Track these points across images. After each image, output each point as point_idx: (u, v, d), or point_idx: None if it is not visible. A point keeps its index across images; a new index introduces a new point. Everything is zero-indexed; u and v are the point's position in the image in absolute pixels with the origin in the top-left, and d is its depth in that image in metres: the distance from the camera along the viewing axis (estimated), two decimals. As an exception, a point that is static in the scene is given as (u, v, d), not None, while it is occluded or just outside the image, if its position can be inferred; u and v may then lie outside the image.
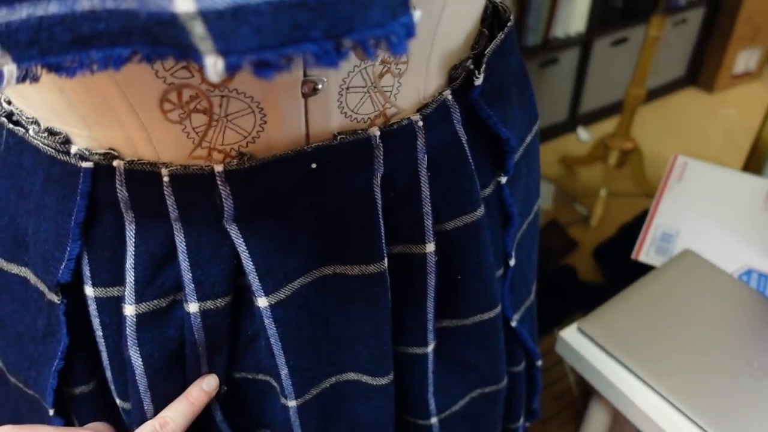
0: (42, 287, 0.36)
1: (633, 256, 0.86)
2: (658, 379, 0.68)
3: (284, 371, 0.38)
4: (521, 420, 0.61)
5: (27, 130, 0.34)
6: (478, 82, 0.37)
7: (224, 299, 0.35)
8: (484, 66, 0.37)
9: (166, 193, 0.32)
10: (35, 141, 0.33)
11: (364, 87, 0.33)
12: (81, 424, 0.40)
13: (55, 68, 0.22)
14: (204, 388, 0.38)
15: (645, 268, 0.84)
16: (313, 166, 0.33)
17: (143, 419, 0.38)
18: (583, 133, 2.15)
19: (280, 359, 0.38)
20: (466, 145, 0.38)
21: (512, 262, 0.46)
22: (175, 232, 0.34)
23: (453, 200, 0.39)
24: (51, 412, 0.38)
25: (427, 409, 0.46)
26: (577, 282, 1.44)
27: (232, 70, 0.19)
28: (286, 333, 0.37)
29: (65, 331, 0.36)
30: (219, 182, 0.32)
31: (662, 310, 0.75)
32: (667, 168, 1.01)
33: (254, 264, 0.34)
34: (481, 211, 0.40)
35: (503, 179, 0.41)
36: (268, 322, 0.36)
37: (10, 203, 0.36)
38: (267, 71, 0.19)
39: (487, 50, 0.37)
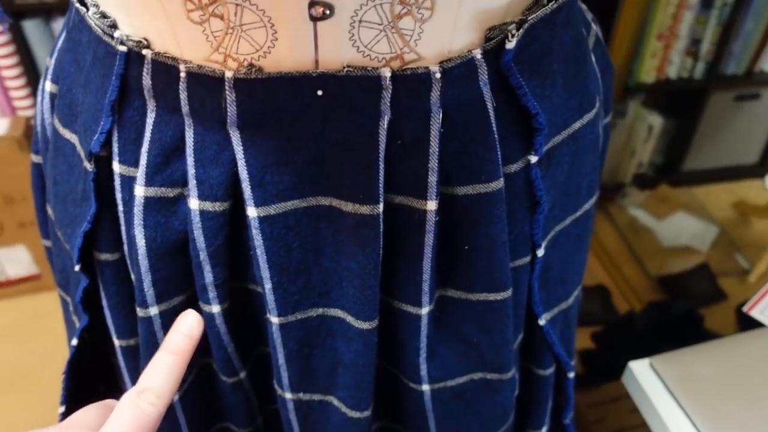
0: (82, 155, 0.41)
1: (746, 309, 0.77)
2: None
3: (268, 286, 0.40)
4: (544, 429, 0.58)
5: (88, 10, 0.38)
6: (510, 45, 0.35)
7: (222, 204, 0.38)
8: (521, 31, 0.35)
9: (181, 87, 0.35)
10: (91, 21, 0.38)
11: (379, 24, 0.33)
12: (104, 288, 0.45)
13: None
14: (183, 331, 0.35)
15: None
16: (319, 93, 0.34)
17: (144, 301, 0.41)
18: (772, 182, 1.92)
19: (265, 273, 0.40)
20: (492, 111, 0.37)
21: (540, 253, 0.44)
22: (185, 127, 0.36)
23: (468, 165, 0.38)
24: (76, 267, 0.43)
25: (418, 372, 0.46)
26: (702, 332, 1.31)
27: None
28: (273, 249, 0.39)
29: (94, 198, 0.40)
30: (226, 87, 0.34)
31: (751, 372, 0.67)
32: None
33: (248, 173, 0.36)
34: (498, 185, 0.38)
35: (533, 158, 0.40)
36: (256, 233, 0.38)
37: (70, 74, 0.41)
38: None
39: (531, 17, 0.36)
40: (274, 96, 0.34)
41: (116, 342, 0.48)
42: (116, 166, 0.39)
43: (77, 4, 0.39)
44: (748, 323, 1.38)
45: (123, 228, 0.42)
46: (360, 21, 0.33)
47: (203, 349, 0.46)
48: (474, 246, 0.40)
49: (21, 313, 1.57)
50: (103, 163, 0.40)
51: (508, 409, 0.51)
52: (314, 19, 0.32)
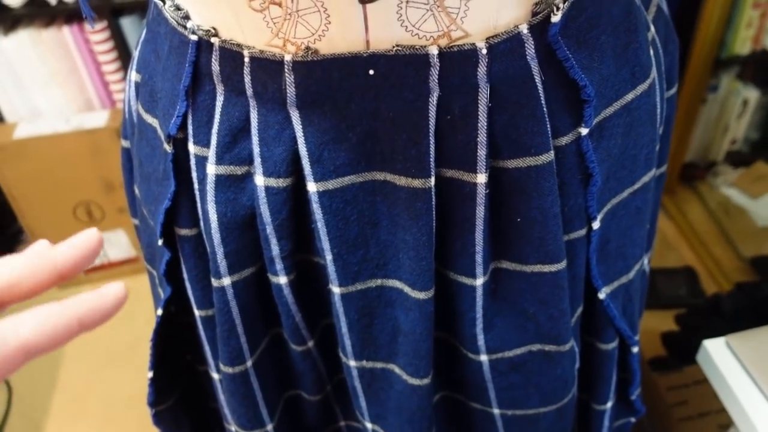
0: (162, 137, 0.45)
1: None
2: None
3: (329, 257, 0.43)
4: (609, 404, 0.58)
5: (164, 4, 0.42)
6: (555, 19, 0.36)
7: (285, 180, 0.41)
8: (567, 4, 0.36)
9: (245, 72, 0.38)
10: (167, 14, 0.41)
11: (426, 4, 0.35)
12: (185, 261, 0.49)
13: None
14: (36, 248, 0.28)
15: None
16: (371, 72, 0.36)
17: (217, 272, 0.45)
18: None
19: (326, 245, 0.42)
20: (540, 84, 0.38)
21: (596, 225, 0.45)
22: (250, 108, 0.39)
23: (517, 138, 0.39)
24: (160, 242, 0.48)
25: (475, 343, 0.47)
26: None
27: None
28: (332, 222, 0.41)
29: (173, 177, 0.44)
30: (286, 70, 0.37)
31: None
32: None
33: (307, 150, 0.39)
34: (548, 157, 0.39)
35: (584, 131, 0.40)
36: (316, 207, 0.41)
37: (150, 63, 0.45)
38: None
39: None
40: (329, 77, 0.37)
41: (196, 312, 0.52)
42: (191, 147, 0.43)
43: None
44: None
45: (199, 204, 0.45)
46: (407, 1, 0.34)
47: (274, 319, 0.50)
48: (526, 218, 0.41)
49: (120, 293, 1.69)
50: (180, 144, 0.44)
51: (569, 382, 0.52)
52: (363, 2, 0.34)
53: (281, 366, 0.53)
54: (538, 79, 0.38)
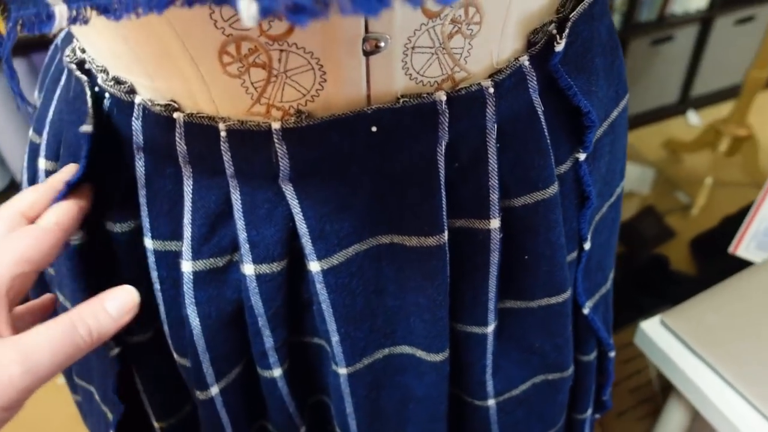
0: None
1: (731, 250, 0.80)
2: (742, 381, 0.64)
3: (335, 338, 0.38)
4: (589, 411, 0.58)
5: (96, 78, 0.34)
6: (559, 48, 0.34)
7: (280, 263, 0.35)
8: (567, 31, 0.34)
9: (222, 148, 0.32)
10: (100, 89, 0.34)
11: (431, 47, 0.31)
12: (139, 373, 0.41)
13: (103, 10, 0.22)
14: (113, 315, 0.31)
15: (744, 264, 0.78)
16: (374, 129, 0.32)
17: (203, 383, 0.38)
18: (693, 117, 2.02)
19: (332, 326, 0.37)
20: (542, 116, 0.36)
21: (587, 246, 0.44)
22: (231, 189, 0.33)
23: (524, 175, 0.36)
24: (114, 351, 0.39)
25: (484, 389, 0.45)
26: (669, 273, 1.36)
27: (265, 14, 0.18)
28: (338, 300, 0.36)
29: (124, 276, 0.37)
30: (275, 140, 0.31)
31: (755, 310, 0.70)
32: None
33: (308, 227, 0.34)
34: (554, 189, 0.37)
35: (582, 156, 0.39)
36: (320, 288, 0.35)
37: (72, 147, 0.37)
38: (301, 16, 0.18)
39: (572, 14, 0.35)
40: (327, 140, 0.32)
41: (156, 425, 0.44)
42: (149, 242, 0.36)
43: (77, 73, 0.35)
44: (702, 256, 1.44)
45: (161, 308, 0.38)
46: (413, 48, 0.30)
47: (258, 413, 0.43)
48: (534, 254, 0.39)
49: None
50: (126, 240, 0.36)
51: (566, 404, 0.51)
52: (367, 54, 0.30)
53: None
54: (540, 111, 0.35)
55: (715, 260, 1.36)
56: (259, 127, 0.31)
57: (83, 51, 0.36)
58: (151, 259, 0.36)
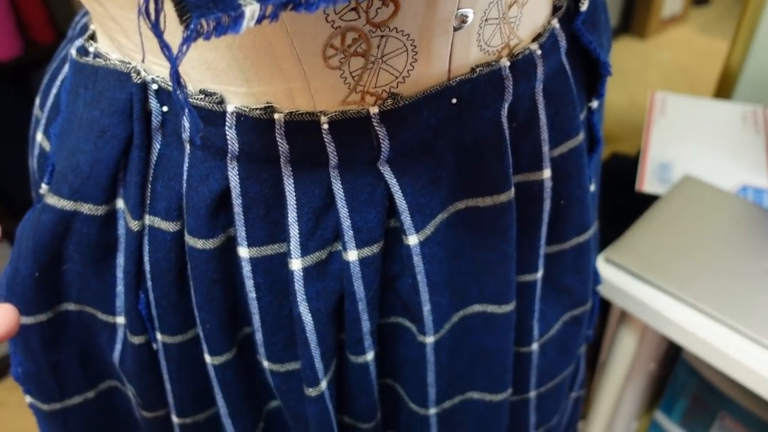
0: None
1: (637, 188, 0.91)
2: (686, 290, 0.73)
3: (426, 308, 0.40)
4: (583, 345, 0.64)
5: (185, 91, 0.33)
6: (584, 7, 0.39)
7: (379, 245, 0.36)
8: None
9: (326, 140, 0.33)
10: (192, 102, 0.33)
11: (497, 19, 0.34)
12: (224, 388, 0.41)
13: (296, 5, 0.23)
14: None
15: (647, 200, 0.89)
16: (454, 101, 0.35)
17: (315, 378, 0.38)
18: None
19: (425, 296, 0.39)
20: (570, 72, 0.40)
21: (593, 188, 0.49)
22: (332, 179, 0.34)
23: (561, 127, 0.41)
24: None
25: (531, 334, 0.48)
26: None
27: None
28: (431, 269, 0.38)
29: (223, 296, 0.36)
30: (375, 124, 0.33)
31: (677, 232, 0.80)
32: (648, 105, 1.06)
33: (407, 203, 0.36)
34: (582, 136, 0.42)
35: (595, 104, 0.44)
36: (417, 260, 0.37)
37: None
38: None
39: None
40: (419, 118, 0.34)
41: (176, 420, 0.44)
42: (244, 251, 0.36)
43: (135, 80, 0.34)
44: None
45: (256, 317, 0.38)
46: (486, 20, 0.34)
47: (340, 406, 0.44)
48: (569, 197, 0.44)
49: None
50: (217, 254, 0.36)
51: (584, 336, 0.56)
52: (455, 30, 0.32)
53: None
54: (568, 68, 0.40)
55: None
56: (359, 114, 0.33)
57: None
58: (247, 269, 0.36)
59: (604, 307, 1.24)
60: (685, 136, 0.99)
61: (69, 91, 0.37)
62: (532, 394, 0.54)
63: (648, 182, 0.91)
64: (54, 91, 0.41)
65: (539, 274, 0.45)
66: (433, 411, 0.46)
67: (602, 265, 0.80)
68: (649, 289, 0.76)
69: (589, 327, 0.67)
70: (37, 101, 0.43)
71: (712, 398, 1.02)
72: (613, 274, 0.79)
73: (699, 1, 2.61)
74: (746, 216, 0.83)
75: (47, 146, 0.41)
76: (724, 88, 1.14)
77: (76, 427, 0.46)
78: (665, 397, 1.11)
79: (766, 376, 0.66)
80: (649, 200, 0.88)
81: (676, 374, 1.07)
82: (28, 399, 0.45)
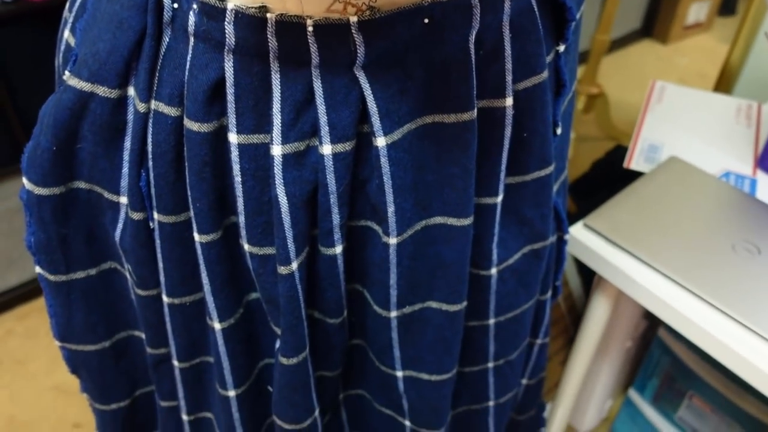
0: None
1: (625, 164, 0.95)
2: (657, 259, 0.78)
3: (390, 209, 0.45)
4: (549, 293, 0.69)
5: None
6: None
7: (351, 143, 0.42)
8: None
9: (310, 41, 0.38)
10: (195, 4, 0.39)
11: None
12: (209, 269, 0.46)
13: None
14: None
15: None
16: (426, 20, 0.40)
17: (287, 257, 0.44)
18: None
19: (389, 197, 0.44)
20: (537, 11, 0.45)
21: (559, 131, 0.54)
22: (313, 78, 0.40)
23: (526, 62, 0.46)
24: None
25: (490, 258, 0.53)
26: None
27: None
28: (396, 172, 0.44)
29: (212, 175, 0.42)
30: (353, 31, 0.38)
31: (656, 206, 0.85)
32: (646, 93, 1.10)
33: (377, 107, 0.41)
34: (546, 74, 0.47)
35: (561, 48, 0.49)
36: (384, 161, 0.43)
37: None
38: None
39: None
40: (393, 32, 0.39)
41: (218, 326, 0.49)
42: (234, 137, 0.41)
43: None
44: (580, 197, 1.61)
45: (240, 200, 0.43)
46: None
47: (310, 300, 0.50)
48: (531, 130, 0.49)
49: None
50: (210, 139, 0.41)
51: (544, 273, 0.61)
52: (428, -49, 0.37)
53: (318, 347, 0.53)
54: (536, 7, 0.45)
55: (593, 199, 1.55)
56: (340, 21, 0.38)
57: None
58: (234, 153, 0.42)
59: (587, 289, 1.28)
60: (678, 123, 1.03)
61: None
62: (491, 321, 0.59)
63: (635, 161, 0.96)
64: None
65: (499, 199, 0.50)
66: (394, 314, 0.51)
67: (581, 231, 0.85)
68: (623, 255, 0.81)
69: (556, 278, 0.72)
70: (67, 4, 0.49)
71: (682, 377, 1.06)
72: (590, 240, 0.83)
73: (725, 11, 2.63)
74: (724, 197, 0.87)
75: (72, 42, 0.46)
76: (724, 87, 1.17)
77: (77, 299, 0.52)
78: (639, 374, 1.15)
79: (729, 342, 0.71)
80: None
81: (651, 352, 1.12)
82: (37, 269, 0.51)
